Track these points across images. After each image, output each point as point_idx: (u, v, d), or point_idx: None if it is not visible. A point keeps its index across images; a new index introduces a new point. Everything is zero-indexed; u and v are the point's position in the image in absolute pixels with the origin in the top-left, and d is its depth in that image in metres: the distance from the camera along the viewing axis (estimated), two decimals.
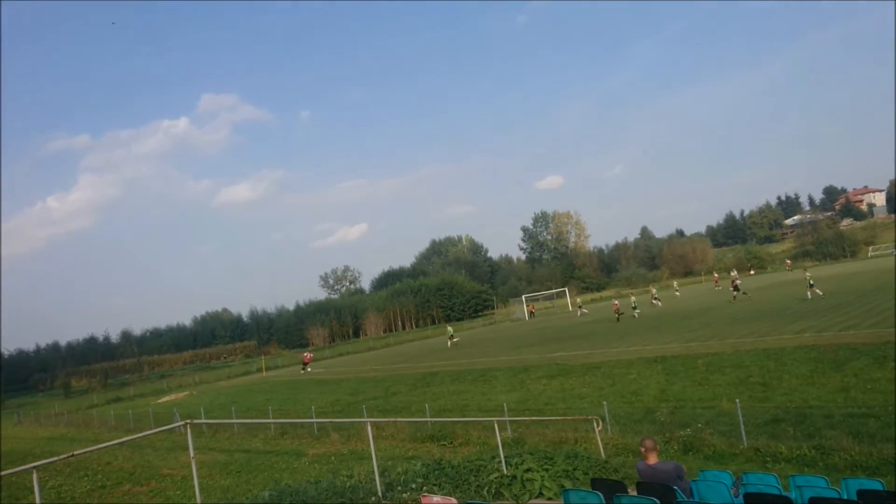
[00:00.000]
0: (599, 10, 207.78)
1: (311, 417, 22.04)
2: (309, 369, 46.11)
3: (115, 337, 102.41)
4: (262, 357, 64.02)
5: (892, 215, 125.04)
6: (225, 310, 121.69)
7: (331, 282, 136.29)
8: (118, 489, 17.33)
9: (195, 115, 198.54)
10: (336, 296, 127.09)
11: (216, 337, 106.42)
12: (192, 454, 8.27)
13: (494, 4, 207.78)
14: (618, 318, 43.29)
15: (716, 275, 72.66)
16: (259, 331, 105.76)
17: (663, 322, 37.09)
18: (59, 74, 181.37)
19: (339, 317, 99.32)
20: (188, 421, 8.25)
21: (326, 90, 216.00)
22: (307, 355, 49.96)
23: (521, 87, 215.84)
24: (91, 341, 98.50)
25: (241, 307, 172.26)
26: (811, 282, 36.63)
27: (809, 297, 35.37)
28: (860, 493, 6.21)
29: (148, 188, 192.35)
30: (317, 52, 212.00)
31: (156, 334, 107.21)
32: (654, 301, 52.37)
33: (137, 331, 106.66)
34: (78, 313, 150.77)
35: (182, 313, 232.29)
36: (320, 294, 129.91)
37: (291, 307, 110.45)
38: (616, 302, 49.45)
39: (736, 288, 44.47)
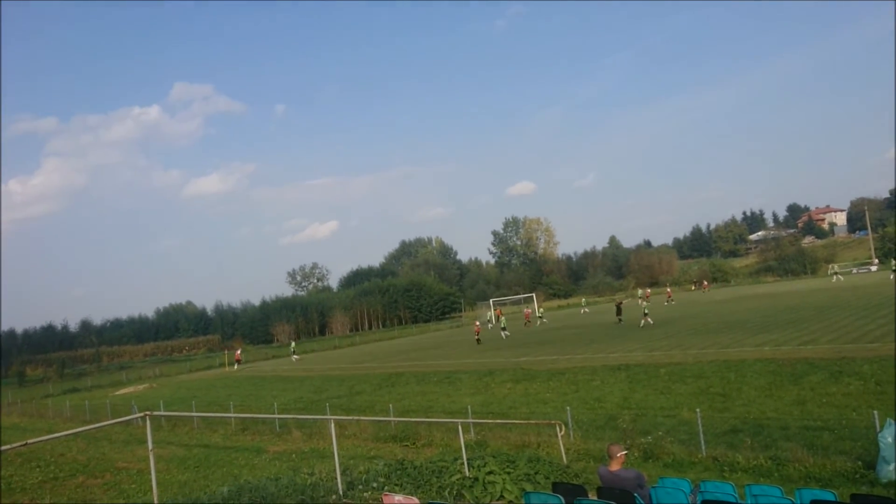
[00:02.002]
0: (578, 19, 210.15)
1: (274, 414, 21.80)
2: (235, 367, 49.23)
3: (73, 326, 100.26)
4: (226, 352, 63.12)
5: (852, 235, 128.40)
6: (189, 303, 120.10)
7: (298, 278, 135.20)
8: (71, 481, 16.93)
9: (167, 103, 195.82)
10: (303, 293, 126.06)
11: (179, 330, 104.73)
12: (150, 446, 8.09)
13: (474, 8, 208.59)
14: (478, 341, 41.97)
15: (647, 291, 71.97)
16: (223, 325, 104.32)
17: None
18: (26, 55, 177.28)
19: (305, 314, 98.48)
20: (147, 412, 8.08)
21: (303, 85, 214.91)
22: (238, 353, 53.48)
23: (498, 92, 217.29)
24: (49, 329, 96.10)
25: (206, 300, 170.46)
26: (646, 311, 38.79)
27: (642, 324, 37.26)
28: (813, 503, 6.34)
29: (115, 176, 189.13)
30: (295, 47, 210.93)
31: (116, 325, 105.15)
32: (527, 323, 51.79)
33: (97, 321, 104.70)
34: (36, 300, 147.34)
35: (145, 304, 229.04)
36: (287, 290, 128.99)
37: (257, 302, 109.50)
38: (477, 322, 48.02)
39: (619, 311, 43.54)
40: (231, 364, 50.65)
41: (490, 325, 54.01)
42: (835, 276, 64.56)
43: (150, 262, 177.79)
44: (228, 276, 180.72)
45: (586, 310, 63.96)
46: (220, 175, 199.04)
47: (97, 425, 12.86)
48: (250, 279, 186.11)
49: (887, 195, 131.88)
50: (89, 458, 19.81)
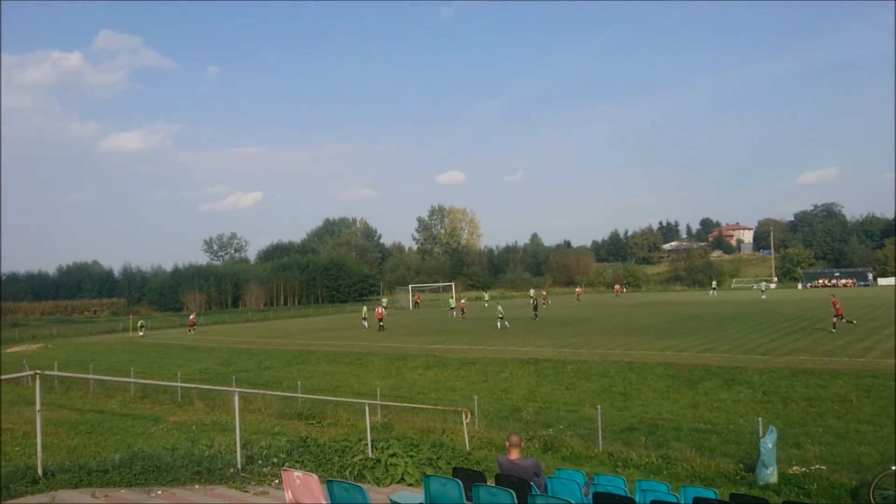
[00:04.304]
0: (526, 15, 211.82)
1: (176, 383, 21.13)
2: (191, 332, 47.35)
3: None
4: (131, 316, 60.62)
5: (757, 253, 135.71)
6: (95, 262, 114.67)
7: (215, 247, 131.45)
8: None
9: (90, 51, 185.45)
10: (219, 262, 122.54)
11: (82, 290, 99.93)
12: (38, 407, 7.72)
13: None
14: (380, 327, 41.26)
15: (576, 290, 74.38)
16: (130, 289, 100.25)
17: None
18: None
19: (218, 284, 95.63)
20: (38, 371, 7.68)
21: (239, 49, 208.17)
22: (192, 317, 51.79)
23: (438, 78, 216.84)
24: None
25: (114, 262, 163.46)
26: (501, 314, 38.85)
27: (499, 326, 37.71)
28: (696, 499, 6.69)
29: (25, 121, 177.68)
30: (233, 9, 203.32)
31: (13, 279, 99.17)
32: (363, 321, 45.77)
33: None
34: None
35: (46, 260, 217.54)
36: (202, 258, 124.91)
37: (169, 268, 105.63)
38: (379, 309, 44.83)
39: (535, 308, 44.36)
40: (188, 328, 49.02)
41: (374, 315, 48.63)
42: (712, 292, 71.29)
43: (55, 216, 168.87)
44: (140, 238, 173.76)
45: (486, 304, 65.74)
46: (141, 133, 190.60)
47: None
48: (163, 244, 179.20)
49: (791, 219, 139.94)
50: None
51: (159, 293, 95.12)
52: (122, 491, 7.59)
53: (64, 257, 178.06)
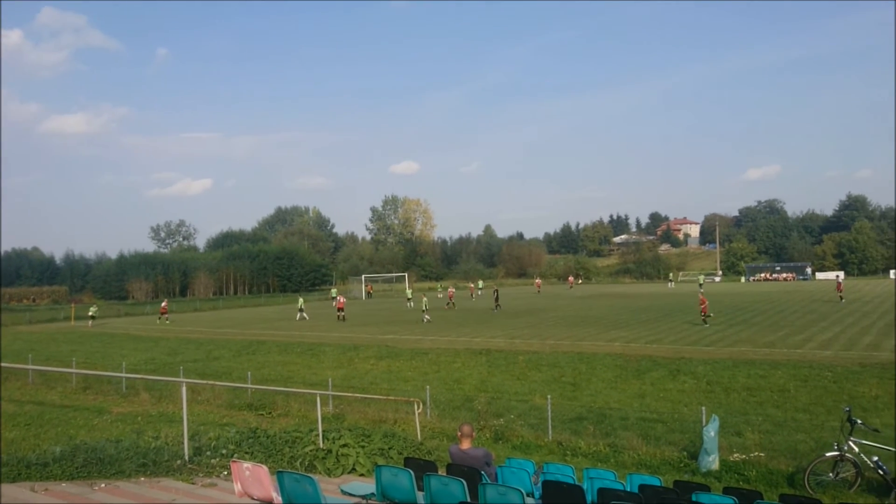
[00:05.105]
0: (478, 9, 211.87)
1: (121, 373, 20.58)
2: (164, 320, 44.88)
3: None
4: (73, 305, 58.68)
5: (703, 247, 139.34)
6: (35, 248, 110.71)
7: (162, 235, 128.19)
8: None
9: (31, 28, 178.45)
10: (166, 250, 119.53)
11: (21, 277, 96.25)
12: None
13: None
14: (342, 317, 40.46)
15: (476, 283, 69.91)
16: (73, 276, 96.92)
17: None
18: None
19: (166, 272, 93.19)
20: None
21: (190, 31, 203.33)
22: (164, 304, 48.83)
23: (393, 68, 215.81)
24: None
25: (56, 248, 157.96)
26: (425, 307, 38.34)
27: (424, 320, 37.16)
28: (641, 487, 6.87)
29: None
30: None
31: None
32: (300, 312, 43.90)
33: None
34: None
35: None
36: (148, 246, 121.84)
37: (114, 255, 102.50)
38: (342, 298, 44.39)
39: (496, 299, 44.63)
40: (161, 316, 45.80)
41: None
42: (670, 283, 75.82)
43: None
44: (84, 224, 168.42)
45: (440, 294, 64.64)
46: (86, 115, 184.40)
47: None
48: (108, 230, 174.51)
49: (736, 214, 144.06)
50: None
51: (103, 281, 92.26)
52: (64, 484, 7.39)
53: (2, 242, 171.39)
